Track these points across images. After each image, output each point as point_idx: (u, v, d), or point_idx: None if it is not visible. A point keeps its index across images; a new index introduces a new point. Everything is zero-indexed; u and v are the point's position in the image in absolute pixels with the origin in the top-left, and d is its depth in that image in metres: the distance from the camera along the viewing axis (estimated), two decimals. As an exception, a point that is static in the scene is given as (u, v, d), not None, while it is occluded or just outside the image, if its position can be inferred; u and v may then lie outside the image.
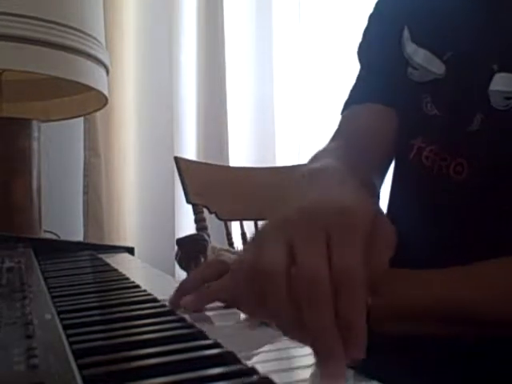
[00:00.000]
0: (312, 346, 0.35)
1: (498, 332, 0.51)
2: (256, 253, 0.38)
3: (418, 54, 0.72)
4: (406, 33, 0.75)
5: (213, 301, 0.54)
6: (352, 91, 0.81)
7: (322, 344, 0.34)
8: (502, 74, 0.63)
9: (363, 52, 0.83)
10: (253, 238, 0.43)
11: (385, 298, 0.46)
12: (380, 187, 0.72)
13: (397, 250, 0.42)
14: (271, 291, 0.36)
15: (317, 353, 0.35)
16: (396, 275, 0.50)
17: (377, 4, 0.83)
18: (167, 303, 0.52)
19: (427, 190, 0.69)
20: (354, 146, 0.70)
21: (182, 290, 0.54)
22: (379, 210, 0.42)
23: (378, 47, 0.79)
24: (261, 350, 0.41)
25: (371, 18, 0.83)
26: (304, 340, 0.38)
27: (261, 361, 0.37)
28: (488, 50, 0.65)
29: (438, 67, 0.70)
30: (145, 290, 0.59)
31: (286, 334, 0.39)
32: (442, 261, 0.52)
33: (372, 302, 0.37)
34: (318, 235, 0.36)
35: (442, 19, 0.71)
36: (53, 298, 0.55)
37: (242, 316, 0.51)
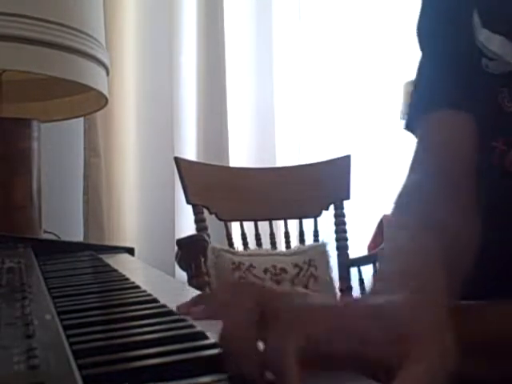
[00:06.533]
0: None
1: None
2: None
3: (493, 41, 0.63)
4: (475, 18, 0.65)
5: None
6: (418, 90, 0.71)
7: None
8: None
9: (424, 30, 0.72)
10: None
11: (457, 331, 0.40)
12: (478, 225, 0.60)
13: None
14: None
15: None
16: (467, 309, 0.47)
17: None
18: (175, 308, 0.51)
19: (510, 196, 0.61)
20: (443, 184, 0.61)
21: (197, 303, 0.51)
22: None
23: (441, 31, 0.70)
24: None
25: None
26: None
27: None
28: None
29: None
30: (145, 291, 0.59)
31: None
32: None
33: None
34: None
35: None
36: (53, 298, 0.55)
37: None
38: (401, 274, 0.45)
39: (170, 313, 0.49)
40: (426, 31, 0.72)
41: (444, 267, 0.45)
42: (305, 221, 1.87)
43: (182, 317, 0.47)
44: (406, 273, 0.45)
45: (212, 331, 0.40)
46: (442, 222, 0.56)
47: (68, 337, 0.40)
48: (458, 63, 0.67)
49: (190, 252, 1.59)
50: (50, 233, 1.47)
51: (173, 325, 0.44)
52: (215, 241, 1.72)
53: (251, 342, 0.35)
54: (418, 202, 0.60)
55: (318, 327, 0.35)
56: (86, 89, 1.37)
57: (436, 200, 0.59)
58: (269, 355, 0.34)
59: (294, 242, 1.92)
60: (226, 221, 1.79)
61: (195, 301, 0.53)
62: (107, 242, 1.93)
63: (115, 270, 0.76)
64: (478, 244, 0.57)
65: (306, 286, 1.66)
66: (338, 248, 1.83)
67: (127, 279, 0.68)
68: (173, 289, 0.52)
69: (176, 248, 1.63)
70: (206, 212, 1.75)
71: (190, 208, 1.75)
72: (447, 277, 0.44)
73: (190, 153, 2.12)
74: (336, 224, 1.85)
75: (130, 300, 0.56)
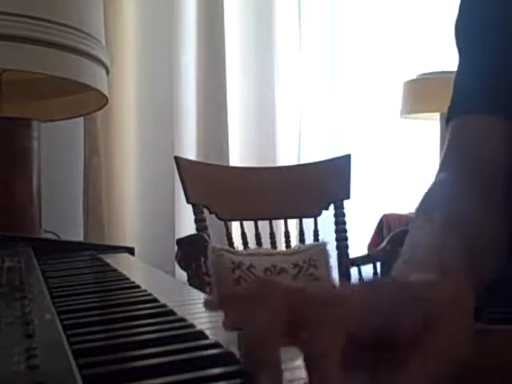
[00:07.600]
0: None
1: None
2: None
3: None
4: None
5: None
6: (454, 91, 0.70)
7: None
8: None
9: (460, 30, 0.70)
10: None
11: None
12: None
13: None
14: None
15: None
16: None
17: None
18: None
19: None
20: (468, 183, 0.62)
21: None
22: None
23: (476, 28, 0.68)
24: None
25: None
26: None
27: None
28: None
29: None
30: (145, 290, 0.59)
31: None
32: None
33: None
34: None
35: None
36: (53, 298, 0.55)
37: None
38: (423, 262, 0.45)
39: (169, 312, 0.49)
40: (462, 30, 0.71)
41: (465, 261, 0.45)
42: (305, 220, 1.87)
43: (181, 316, 0.47)
44: (426, 262, 0.45)
45: (211, 330, 0.40)
46: (466, 216, 0.56)
47: (68, 337, 0.40)
48: (492, 60, 0.66)
49: (190, 252, 1.60)
50: (50, 232, 1.47)
51: (173, 324, 0.44)
52: (215, 240, 1.72)
53: (277, 351, 0.31)
54: (443, 199, 0.61)
55: (355, 311, 0.33)
56: (86, 88, 1.37)
57: (461, 196, 0.60)
58: (310, 356, 0.31)
59: (294, 242, 1.92)
60: (226, 220, 1.79)
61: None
62: (107, 242, 1.93)
63: (115, 270, 0.76)
64: (504, 239, 0.57)
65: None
66: (338, 248, 1.83)
67: (127, 279, 0.68)
68: (173, 288, 0.52)
69: (176, 248, 1.63)
70: (206, 212, 1.75)
71: (189, 208, 1.75)
72: (467, 271, 0.44)
73: (190, 153, 2.13)
74: (336, 223, 1.85)
75: (130, 300, 0.56)
